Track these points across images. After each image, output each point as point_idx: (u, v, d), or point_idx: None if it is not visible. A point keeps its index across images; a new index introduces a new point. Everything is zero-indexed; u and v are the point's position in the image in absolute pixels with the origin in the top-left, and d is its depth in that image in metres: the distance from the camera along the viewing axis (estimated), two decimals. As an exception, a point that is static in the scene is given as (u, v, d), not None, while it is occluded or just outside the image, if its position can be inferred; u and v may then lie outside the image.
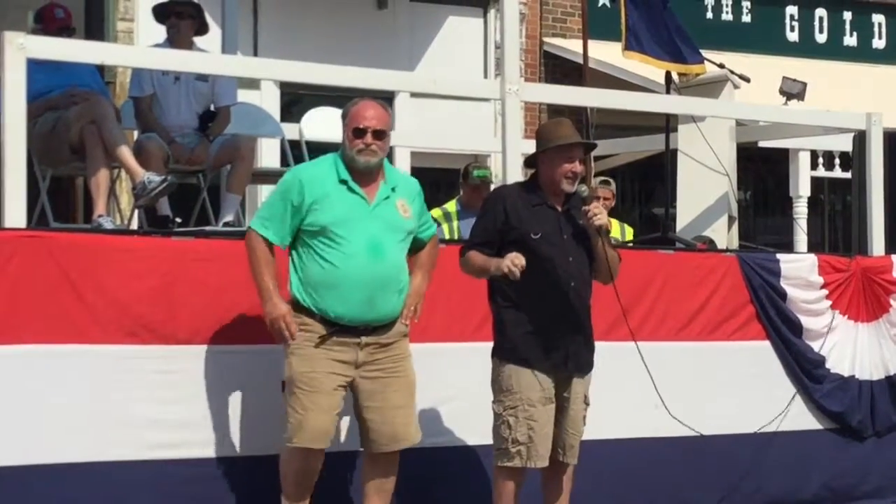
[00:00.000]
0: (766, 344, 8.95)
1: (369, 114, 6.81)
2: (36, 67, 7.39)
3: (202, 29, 9.04)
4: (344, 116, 6.91)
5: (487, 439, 7.13)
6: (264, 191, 10.83)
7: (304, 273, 6.69)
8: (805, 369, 9.02)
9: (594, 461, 7.57)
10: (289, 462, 6.75)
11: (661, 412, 8.22)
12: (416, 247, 6.99)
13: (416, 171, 14.05)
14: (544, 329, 6.95)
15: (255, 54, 13.38)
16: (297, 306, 6.71)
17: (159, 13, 9.08)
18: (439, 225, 10.42)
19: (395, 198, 6.87)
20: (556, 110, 13.66)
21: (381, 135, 6.81)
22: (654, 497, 8.40)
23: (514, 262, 6.76)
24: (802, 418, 9.05)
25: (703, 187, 10.74)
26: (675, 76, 10.70)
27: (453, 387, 7.66)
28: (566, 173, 7.04)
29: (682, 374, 8.47)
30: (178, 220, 8.79)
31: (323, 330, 6.66)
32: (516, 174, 8.15)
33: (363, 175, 6.80)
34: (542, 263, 6.93)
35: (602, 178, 11.15)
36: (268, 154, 11.93)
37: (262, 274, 6.72)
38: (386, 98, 13.85)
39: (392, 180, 6.93)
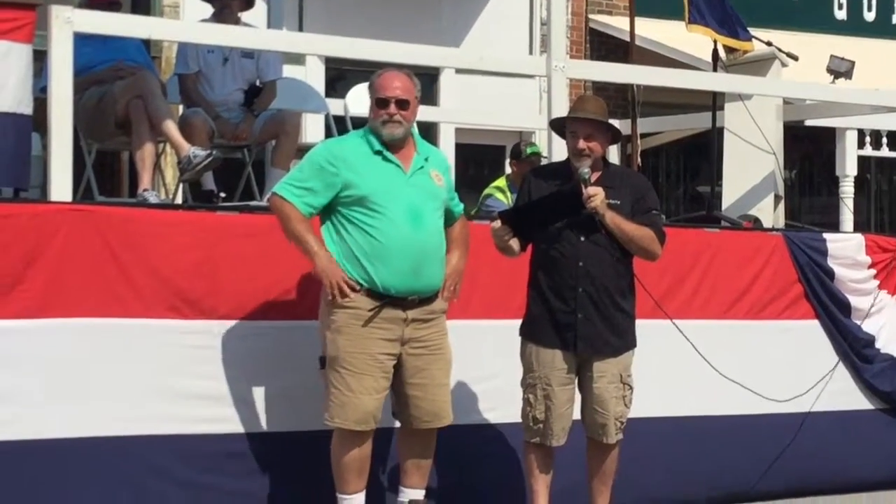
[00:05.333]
0: (815, 323, 8.91)
1: (393, 84, 6.71)
2: (82, 41, 7.39)
3: (249, 3, 9.04)
4: (370, 88, 6.84)
5: (525, 417, 7.18)
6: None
7: (346, 246, 6.60)
8: (855, 349, 8.97)
9: (635, 438, 7.54)
10: (341, 448, 6.66)
11: (704, 390, 8.23)
12: (447, 222, 6.91)
13: (460, 148, 14.10)
14: (553, 308, 6.97)
15: (301, 30, 13.36)
16: (339, 281, 6.68)
17: None
18: (492, 196, 10.54)
19: (429, 167, 6.83)
20: (601, 88, 13.60)
21: (404, 104, 6.71)
22: (699, 473, 8.36)
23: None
24: (852, 398, 9.02)
25: (750, 166, 10.69)
26: (721, 54, 10.65)
27: (495, 364, 7.65)
28: (572, 149, 7.03)
29: (731, 352, 8.45)
30: (223, 194, 8.80)
31: (368, 305, 6.60)
32: (562, 152, 8.11)
33: (395, 146, 6.74)
34: (552, 242, 6.94)
35: None
36: (313, 129, 11.92)
37: (302, 233, 6.59)
38: (430, 75, 13.98)
39: (424, 150, 6.88)
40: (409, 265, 6.59)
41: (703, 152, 12.45)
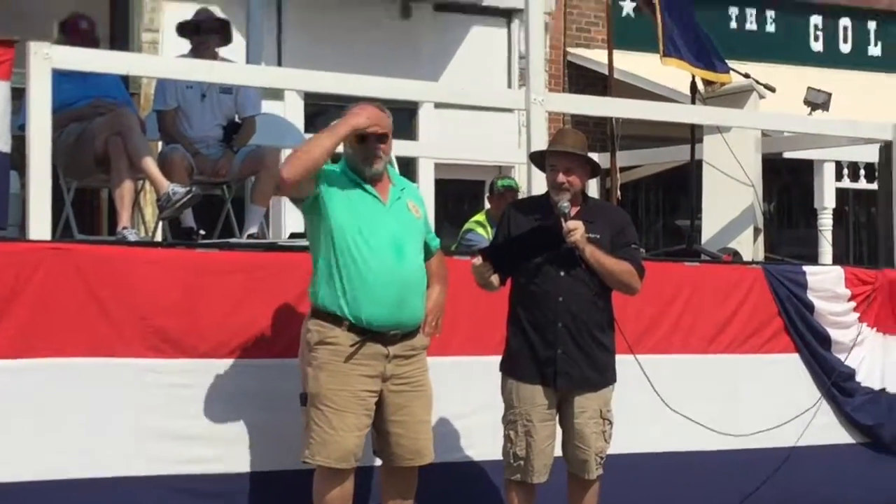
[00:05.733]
0: (796, 356, 8.91)
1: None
2: (61, 78, 7.37)
3: (227, 39, 9.05)
4: None
5: (506, 454, 7.14)
6: (288, 203, 10.80)
7: (331, 279, 6.57)
8: (835, 382, 8.96)
9: (616, 473, 7.51)
10: (323, 486, 6.60)
11: (683, 426, 8.22)
12: (424, 257, 6.87)
13: (440, 184, 14.09)
14: (533, 344, 6.94)
15: (280, 65, 13.37)
16: (322, 316, 6.61)
17: (184, 29, 9.09)
18: (472, 231, 10.56)
19: (405, 198, 6.82)
20: (580, 121, 13.62)
21: (384, 138, 6.71)
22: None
23: None
24: (834, 432, 9.01)
25: (729, 199, 10.70)
26: (700, 87, 10.66)
27: (474, 401, 7.62)
28: (551, 183, 7.03)
29: (713, 386, 8.46)
30: (202, 231, 8.78)
31: (349, 341, 6.55)
32: (541, 185, 8.11)
33: (373, 179, 6.72)
34: (532, 277, 6.92)
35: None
36: (292, 165, 11.87)
37: (314, 136, 6.71)
38: (409, 109, 13.98)
39: (399, 182, 6.88)
40: (393, 297, 6.56)
41: (683, 185, 12.46)
